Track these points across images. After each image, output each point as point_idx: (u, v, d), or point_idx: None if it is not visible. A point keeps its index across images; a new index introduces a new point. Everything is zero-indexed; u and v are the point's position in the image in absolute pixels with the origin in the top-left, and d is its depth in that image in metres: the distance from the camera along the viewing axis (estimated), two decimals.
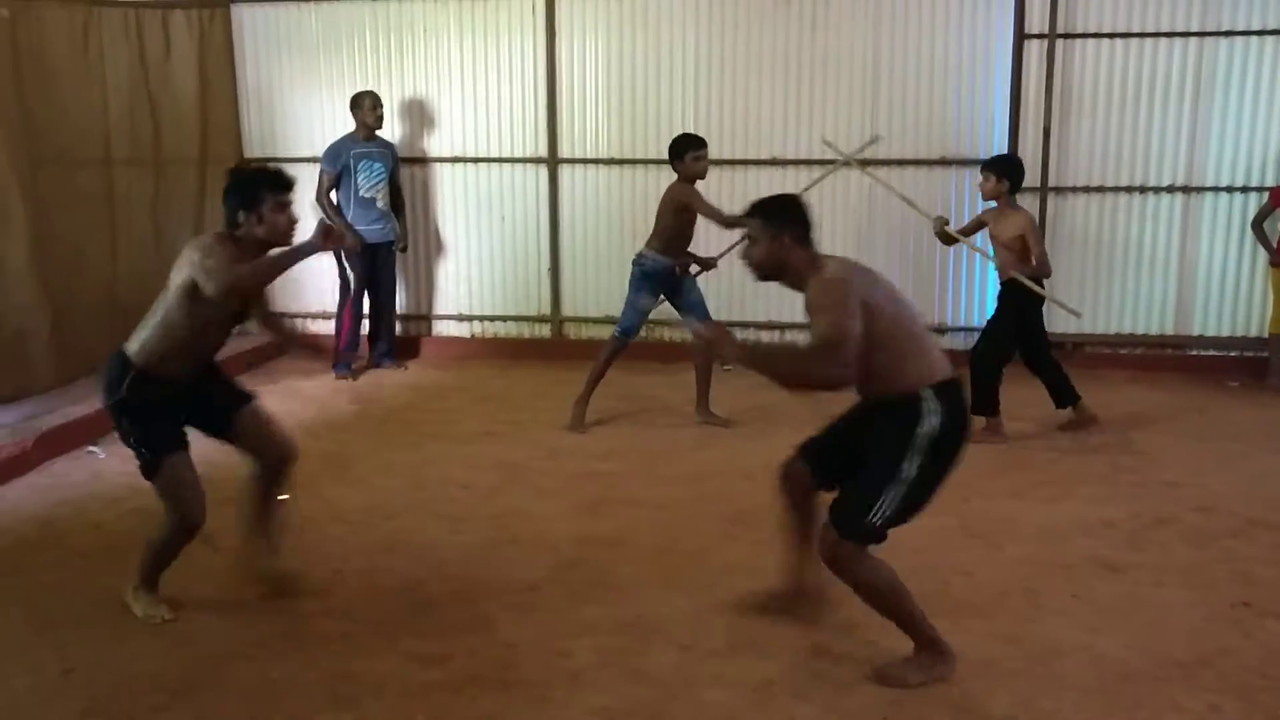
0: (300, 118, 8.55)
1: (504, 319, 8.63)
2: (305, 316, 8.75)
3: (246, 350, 7.84)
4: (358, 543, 4.72)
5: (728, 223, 6.24)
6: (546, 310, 8.58)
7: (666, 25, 8.10)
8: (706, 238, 6.81)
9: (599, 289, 8.44)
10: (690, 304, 6.55)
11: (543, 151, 8.37)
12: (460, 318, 8.72)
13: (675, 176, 6.42)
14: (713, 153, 7.85)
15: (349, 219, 7.73)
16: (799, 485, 3.78)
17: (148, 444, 3.84)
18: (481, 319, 8.64)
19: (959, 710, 3.32)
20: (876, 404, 3.47)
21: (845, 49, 7.95)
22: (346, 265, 7.86)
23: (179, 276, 3.76)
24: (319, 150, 8.23)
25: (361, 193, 7.78)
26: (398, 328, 8.41)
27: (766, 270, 3.56)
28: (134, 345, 3.84)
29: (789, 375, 3.48)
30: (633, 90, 8.21)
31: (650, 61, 8.16)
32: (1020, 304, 6.21)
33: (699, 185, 6.39)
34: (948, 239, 6.50)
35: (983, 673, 3.54)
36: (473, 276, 8.65)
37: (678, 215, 6.33)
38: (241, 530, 4.18)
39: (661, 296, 6.54)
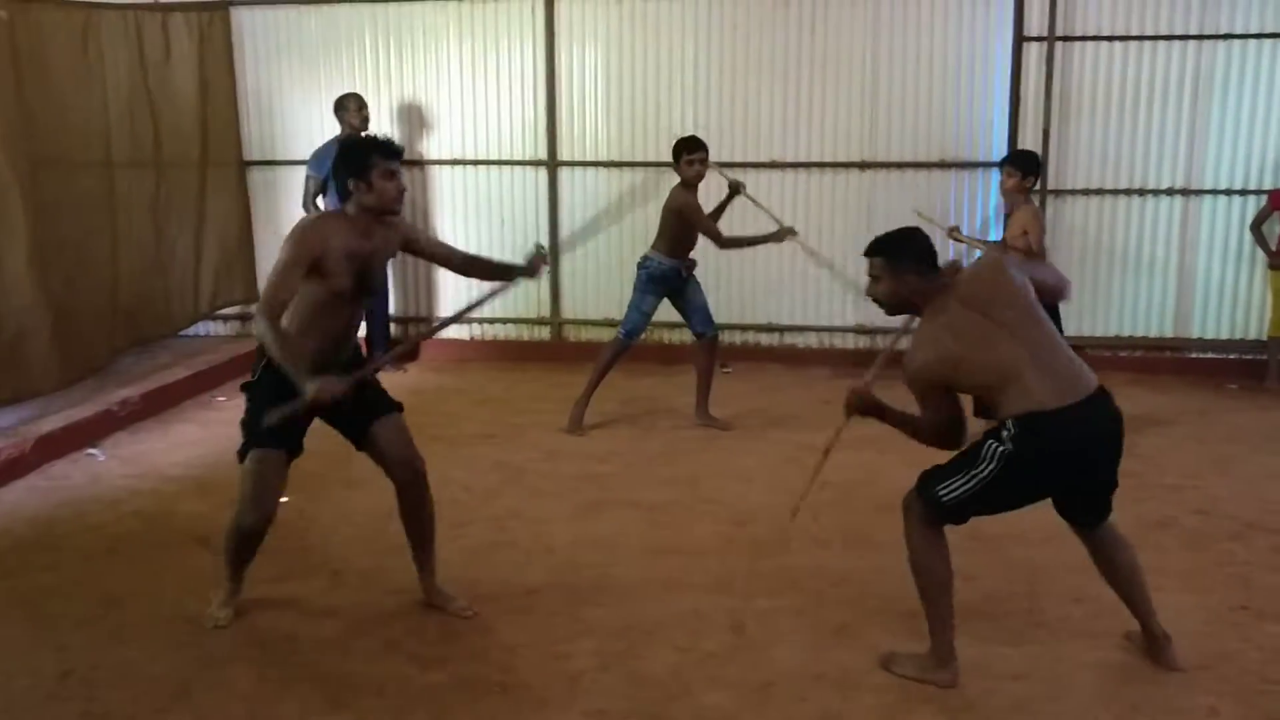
0: (300, 120, 8.54)
1: (504, 321, 8.63)
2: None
3: (244, 354, 7.83)
4: (360, 544, 4.73)
5: (722, 244, 6.28)
6: (546, 313, 8.58)
7: (665, 28, 8.11)
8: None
9: (599, 291, 8.45)
10: (694, 307, 6.54)
11: (542, 154, 8.37)
12: (460, 320, 8.72)
13: (675, 179, 6.43)
14: (712, 155, 7.85)
15: None
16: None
17: (249, 427, 3.78)
18: (481, 322, 8.63)
19: (959, 713, 3.33)
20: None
21: (844, 51, 7.95)
22: None
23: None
24: None
25: None
26: (394, 330, 8.42)
27: (893, 308, 3.61)
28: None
29: (913, 437, 3.62)
30: (632, 93, 8.21)
31: (649, 64, 8.17)
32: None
33: (701, 187, 6.39)
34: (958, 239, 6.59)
35: (984, 675, 3.55)
36: (472, 280, 8.60)
37: (679, 219, 6.34)
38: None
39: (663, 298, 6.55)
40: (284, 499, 4.20)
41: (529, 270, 4.30)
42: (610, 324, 8.32)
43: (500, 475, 5.69)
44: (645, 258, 6.49)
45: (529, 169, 8.43)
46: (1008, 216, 6.33)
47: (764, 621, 3.95)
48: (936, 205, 7.73)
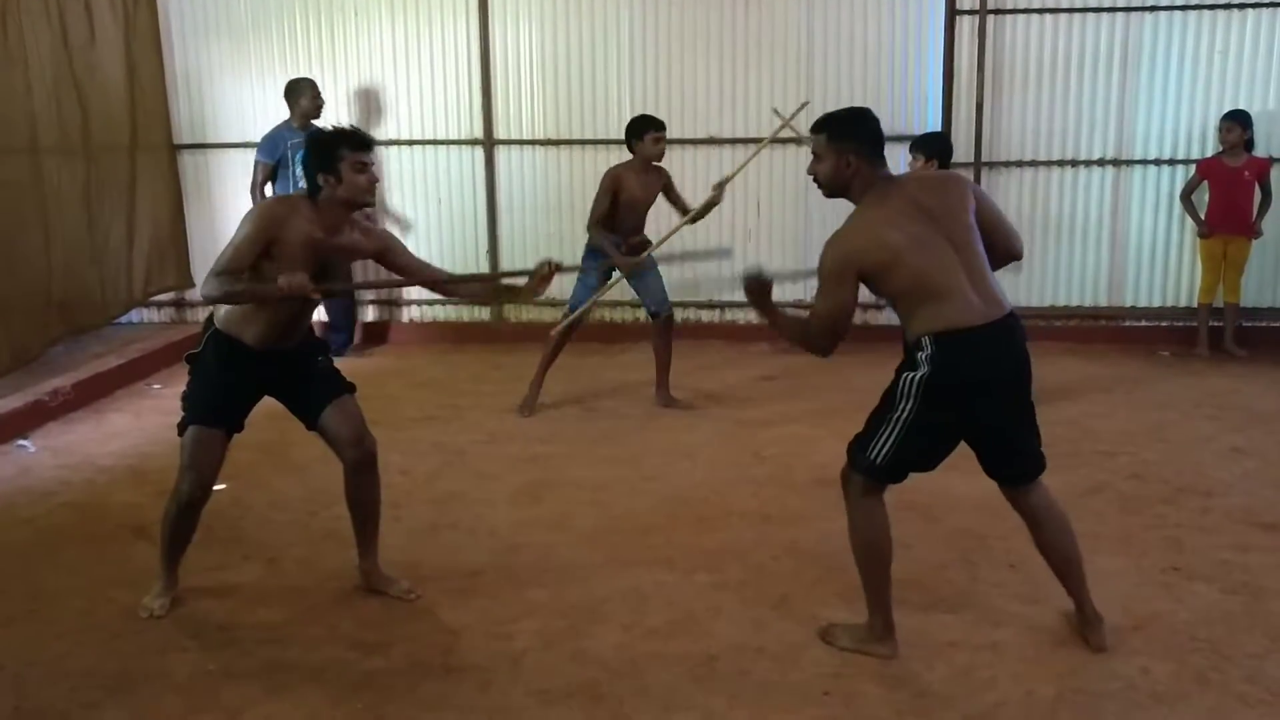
0: (231, 103, 8.40)
1: (443, 303, 8.56)
2: None
3: (178, 340, 7.71)
4: (297, 531, 4.67)
5: (589, 226, 6.28)
6: None
7: (600, 4, 8.07)
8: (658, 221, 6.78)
9: None
10: (646, 287, 6.48)
11: (478, 133, 8.30)
12: (398, 303, 8.65)
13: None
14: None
15: None
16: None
17: (189, 401, 3.75)
18: (420, 303, 8.56)
19: (898, 682, 3.36)
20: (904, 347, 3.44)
21: (779, 27, 7.97)
22: None
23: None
24: (251, 136, 8.13)
25: (302, 184, 7.65)
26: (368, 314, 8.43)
27: (831, 189, 3.47)
28: (220, 309, 3.75)
29: (796, 341, 3.57)
30: (568, 70, 8.17)
31: (585, 41, 8.13)
32: None
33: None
34: None
35: (921, 644, 3.58)
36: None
37: (607, 198, 6.27)
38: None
39: (615, 275, 6.48)
40: (220, 486, 4.15)
41: (530, 290, 3.98)
42: (551, 304, 8.31)
43: (441, 457, 5.65)
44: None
45: (465, 148, 8.36)
46: None
47: (706, 596, 3.96)
48: None
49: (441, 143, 8.35)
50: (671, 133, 7.95)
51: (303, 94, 7.63)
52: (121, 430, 6.23)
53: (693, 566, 4.22)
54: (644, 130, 6.25)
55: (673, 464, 5.51)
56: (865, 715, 3.19)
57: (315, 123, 7.69)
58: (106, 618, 3.86)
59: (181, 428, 3.75)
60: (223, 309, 3.73)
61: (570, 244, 8.14)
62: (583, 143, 8.20)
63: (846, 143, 3.35)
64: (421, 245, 8.36)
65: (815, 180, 3.50)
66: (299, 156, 7.54)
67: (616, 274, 6.35)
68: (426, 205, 8.40)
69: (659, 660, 3.50)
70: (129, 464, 5.60)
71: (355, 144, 3.65)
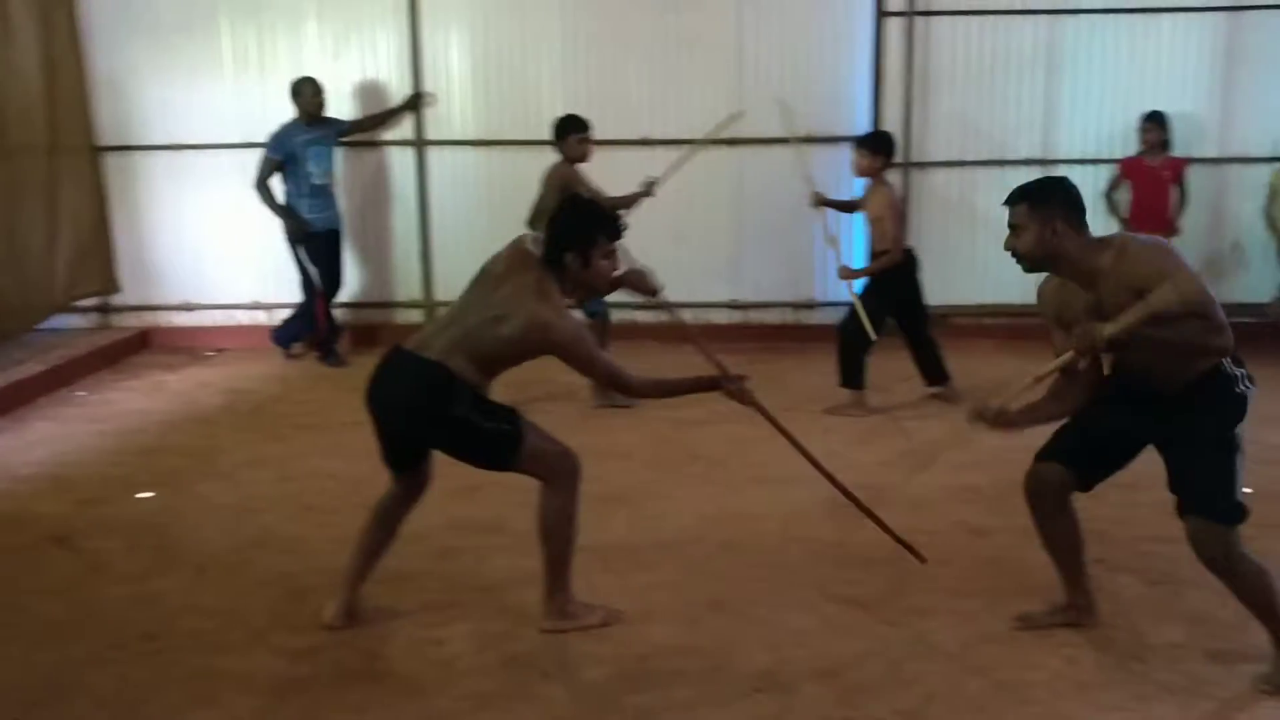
0: (156, 104, 8.23)
1: (375, 305, 8.48)
2: (233, 307, 8.52)
3: (105, 345, 7.57)
4: (225, 538, 4.60)
5: (613, 205, 6.24)
6: (418, 295, 8.45)
7: (531, 5, 8.04)
8: None
9: (470, 272, 8.27)
10: None
11: (409, 134, 8.24)
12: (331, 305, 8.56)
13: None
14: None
15: (304, 210, 7.63)
16: (1054, 491, 3.58)
17: (503, 418, 3.59)
18: (352, 305, 8.46)
19: (830, 678, 3.39)
20: (1173, 383, 3.29)
21: (709, 28, 8.01)
22: (304, 260, 7.73)
23: (511, 327, 3.49)
24: (178, 138, 8.04)
25: (314, 180, 7.66)
26: (340, 315, 8.29)
27: (1036, 261, 3.34)
28: (451, 359, 3.55)
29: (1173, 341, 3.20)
30: (499, 71, 8.14)
31: (516, 41, 8.10)
32: (895, 279, 6.36)
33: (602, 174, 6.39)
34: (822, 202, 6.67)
35: (853, 639, 3.62)
36: (342, 262, 8.47)
37: (559, 197, 6.25)
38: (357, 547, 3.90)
39: None
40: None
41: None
42: None
43: (372, 462, 5.49)
44: (522, 236, 6.40)
45: (396, 149, 8.29)
46: (866, 195, 6.45)
47: (641, 596, 3.96)
48: (803, 181, 7.82)
49: (373, 144, 8.26)
50: (604, 134, 7.98)
51: (302, 94, 7.66)
52: (44, 438, 6.09)
53: (628, 567, 4.22)
54: (568, 131, 6.27)
55: (609, 464, 5.48)
56: (797, 711, 3.21)
57: (327, 115, 7.74)
58: (28, 630, 3.77)
59: (517, 440, 3.59)
60: (458, 362, 3.53)
61: (502, 244, 8.11)
62: (515, 143, 8.16)
63: (1051, 210, 3.24)
64: (355, 247, 8.27)
65: (1014, 254, 3.37)
66: (309, 153, 7.53)
67: None
68: (359, 207, 8.30)
69: (593, 661, 3.50)
70: (51, 472, 5.47)
71: (612, 233, 3.57)
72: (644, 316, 8.34)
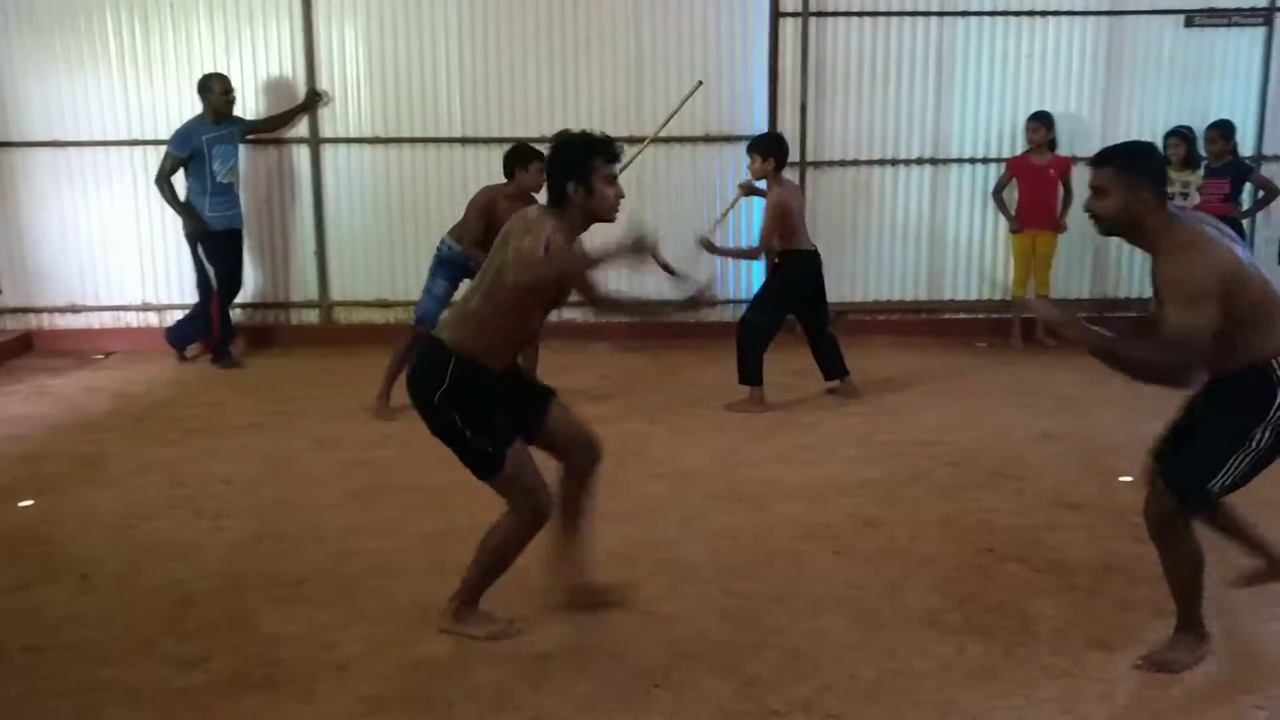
0: (35, 100, 7.95)
1: (269, 306, 8.32)
2: (122, 309, 8.25)
3: None
4: (112, 546, 4.46)
5: (465, 249, 6.18)
6: (314, 295, 8.32)
7: (427, 2, 7.96)
8: None
9: (369, 271, 8.26)
10: None
11: (304, 131, 8.10)
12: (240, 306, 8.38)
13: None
14: (479, 130, 7.84)
15: (206, 208, 7.46)
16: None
17: (483, 433, 3.45)
18: (246, 306, 8.28)
19: (727, 672, 3.41)
20: (1222, 377, 3.27)
21: (607, 26, 8.02)
22: (204, 259, 7.54)
23: (503, 255, 3.40)
24: (60, 134, 7.82)
25: (219, 179, 7.50)
26: (239, 315, 8.17)
27: (1113, 225, 3.27)
28: (450, 332, 3.50)
29: (1135, 369, 3.24)
30: (395, 67, 8.04)
31: (413, 37, 8.02)
32: (798, 277, 6.45)
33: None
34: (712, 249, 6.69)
35: (750, 631, 3.66)
36: (243, 262, 8.29)
37: (482, 220, 6.18)
38: (553, 539, 3.80)
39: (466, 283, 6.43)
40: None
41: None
42: (382, 305, 8.20)
43: (267, 465, 5.49)
44: (443, 240, 6.36)
45: (291, 147, 8.14)
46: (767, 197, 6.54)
47: (539, 596, 3.94)
48: (704, 179, 7.91)
49: (267, 141, 8.09)
50: (502, 131, 8.00)
51: (212, 90, 7.49)
52: None
53: (527, 567, 4.19)
54: (530, 159, 6.15)
55: None
56: (695, 705, 3.23)
57: (232, 115, 7.59)
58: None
59: (494, 463, 3.48)
60: (457, 333, 3.48)
61: (400, 243, 8.07)
62: (413, 141, 8.09)
63: (1139, 177, 3.17)
64: (251, 247, 8.08)
65: (1093, 215, 3.30)
66: (215, 151, 7.36)
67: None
68: (252, 205, 8.12)
69: (490, 661, 3.48)
70: None
71: (609, 155, 3.45)
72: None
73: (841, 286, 8.15)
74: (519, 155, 6.23)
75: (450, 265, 6.31)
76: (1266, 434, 3.16)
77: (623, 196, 3.54)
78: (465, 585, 3.66)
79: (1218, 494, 3.25)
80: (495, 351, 3.49)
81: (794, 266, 6.42)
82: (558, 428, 3.68)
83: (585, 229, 3.58)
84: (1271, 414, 3.15)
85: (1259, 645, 3.57)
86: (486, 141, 7.98)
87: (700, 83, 7.32)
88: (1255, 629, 3.67)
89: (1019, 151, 8.06)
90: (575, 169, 3.42)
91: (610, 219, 3.57)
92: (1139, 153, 3.31)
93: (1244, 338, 3.14)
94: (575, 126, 7.92)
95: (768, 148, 6.40)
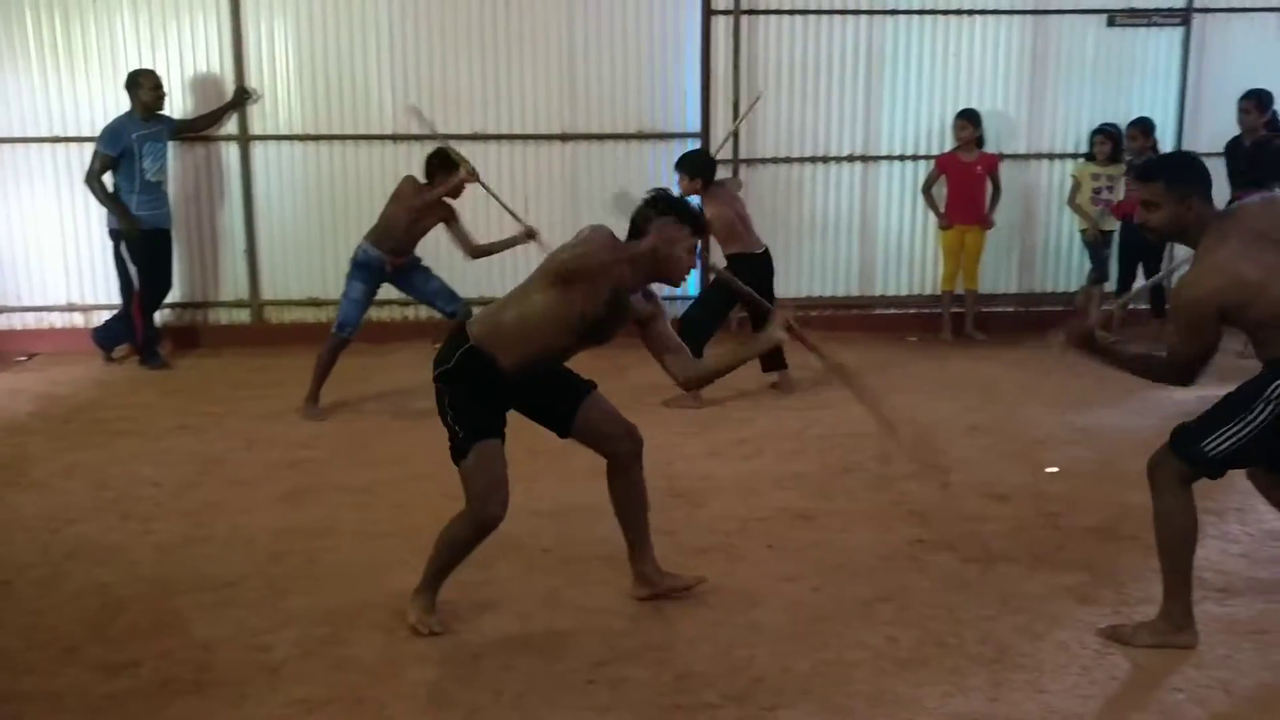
0: None
1: (198, 305, 8.19)
2: (46, 309, 8.06)
3: None
4: (34, 551, 4.37)
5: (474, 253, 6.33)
6: (244, 294, 8.20)
7: None
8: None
9: (300, 270, 8.16)
10: (431, 290, 6.46)
11: (233, 128, 7.98)
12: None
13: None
14: (411, 127, 7.79)
15: (134, 207, 7.31)
16: (1260, 480, 3.74)
17: (464, 419, 3.51)
18: (175, 306, 8.14)
19: (661, 666, 3.43)
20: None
21: (540, 24, 8.00)
22: (127, 259, 7.36)
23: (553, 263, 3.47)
24: None
25: (148, 176, 7.36)
26: (164, 316, 8.02)
27: (1167, 234, 3.47)
28: (476, 325, 3.56)
29: (1139, 374, 3.61)
30: (325, 64, 7.96)
31: (344, 33, 7.94)
32: (750, 278, 6.47)
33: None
34: None
35: (685, 626, 3.68)
36: (172, 261, 8.15)
37: (409, 214, 6.19)
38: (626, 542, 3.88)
39: (383, 287, 6.45)
40: None
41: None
42: (314, 303, 8.11)
43: (196, 467, 5.41)
44: (360, 246, 6.31)
45: (219, 144, 8.02)
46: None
47: (473, 593, 3.93)
48: (636, 177, 7.91)
49: (194, 139, 7.95)
50: (436, 127, 7.93)
51: (142, 86, 7.36)
52: None
53: (461, 565, 4.17)
54: (454, 168, 6.19)
55: (443, 462, 5.37)
56: (629, 700, 3.24)
57: (161, 113, 7.47)
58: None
59: (462, 451, 3.52)
60: (480, 327, 3.52)
61: (333, 241, 7.98)
62: (344, 138, 8.01)
63: (1187, 187, 3.33)
64: (178, 246, 7.94)
65: (1144, 227, 3.48)
66: (145, 148, 7.26)
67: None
68: (180, 203, 7.99)
69: (423, 661, 3.47)
70: None
71: (699, 230, 3.57)
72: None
73: (775, 283, 8.19)
74: (444, 162, 6.25)
75: (367, 269, 6.27)
76: (1266, 409, 3.29)
77: (693, 267, 3.60)
78: (425, 573, 3.70)
79: (1216, 458, 3.36)
80: (509, 352, 3.51)
81: (741, 270, 6.45)
82: (593, 421, 3.75)
83: (647, 282, 3.62)
84: (1271, 390, 3.28)
85: None
86: (419, 139, 7.91)
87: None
88: None
89: (947, 149, 8.18)
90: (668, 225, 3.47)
91: (676, 284, 3.67)
92: (1184, 165, 3.49)
93: (1272, 334, 3.30)
94: (509, 123, 8.04)
95: (694, 167, 6.44)
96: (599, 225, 3.57)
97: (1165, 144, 8.18)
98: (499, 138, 8.03)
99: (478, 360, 3.50)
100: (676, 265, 3.53)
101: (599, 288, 3.45)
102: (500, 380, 3.53)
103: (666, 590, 3.87)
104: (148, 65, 7.67)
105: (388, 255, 6.24)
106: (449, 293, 6.48)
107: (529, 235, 6.43)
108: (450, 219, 6.35)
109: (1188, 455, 3.40)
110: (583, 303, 3.46)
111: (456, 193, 6.29)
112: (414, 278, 6.45)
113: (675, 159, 6.72)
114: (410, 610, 3.65)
